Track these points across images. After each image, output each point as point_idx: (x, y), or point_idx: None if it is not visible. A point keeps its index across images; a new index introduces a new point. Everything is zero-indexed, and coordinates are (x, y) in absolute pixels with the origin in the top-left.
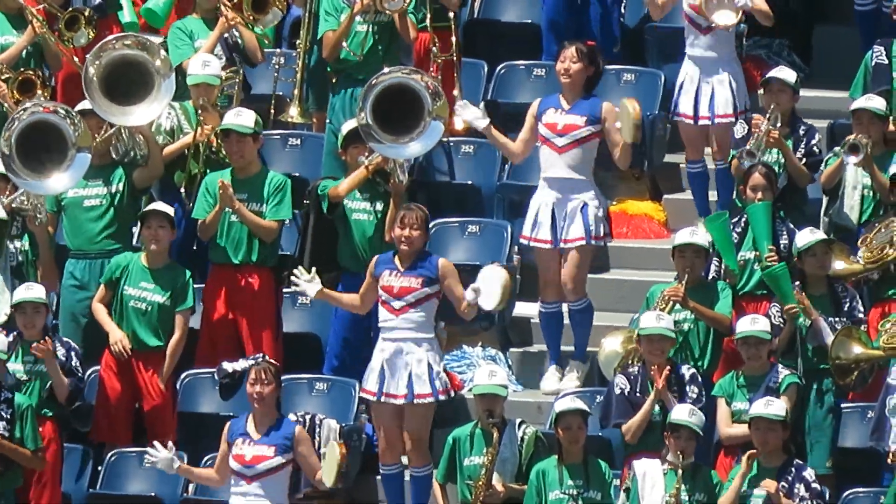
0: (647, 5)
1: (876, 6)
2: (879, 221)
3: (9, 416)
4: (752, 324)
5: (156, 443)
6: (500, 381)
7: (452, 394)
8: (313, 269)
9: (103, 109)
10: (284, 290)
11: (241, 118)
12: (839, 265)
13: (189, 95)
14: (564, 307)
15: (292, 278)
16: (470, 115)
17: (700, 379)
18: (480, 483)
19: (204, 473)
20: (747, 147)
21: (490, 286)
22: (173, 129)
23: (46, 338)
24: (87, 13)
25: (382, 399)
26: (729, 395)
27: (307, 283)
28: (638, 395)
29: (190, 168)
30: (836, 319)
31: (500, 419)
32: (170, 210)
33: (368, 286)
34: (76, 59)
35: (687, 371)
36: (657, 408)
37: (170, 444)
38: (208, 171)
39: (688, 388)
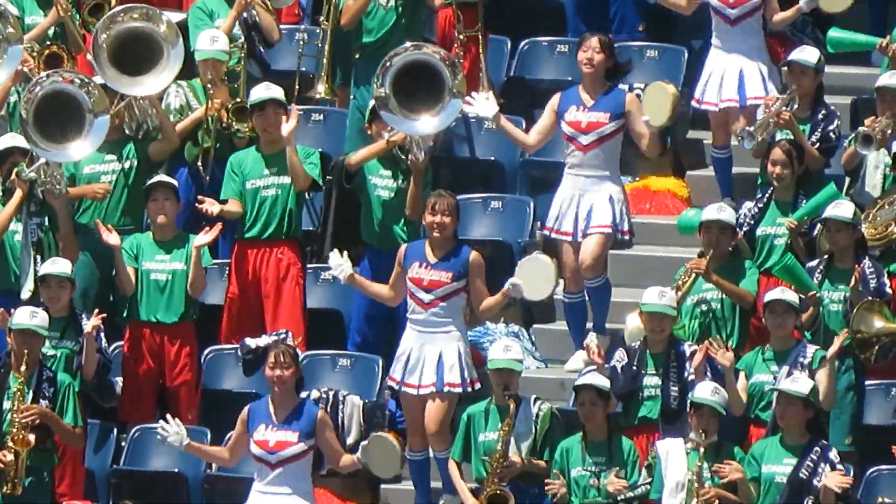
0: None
1: None
2: (883, 198)
3: (51, 395)
4: (782, 293)
5: (168, 416)
6: (514, 355)
7: (478, 387)
8: (345, 252)
9: (113, 81)
10: (308, 265)
11: (274, 91)
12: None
13: (196, 73)
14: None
15: (329, 261)
16: (477, 109)
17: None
18: (497, 456)
19: (215, 451)
20: (748, 128)
21: (534, 278)
22: (182, 107)
23: (101, 314)
24: (111, 2)
25: (402, 388)
26: (749, 368)
27: (340, 266)
28: (634, 368)
29: (202, 143)
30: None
31: (515, 394)
32: (174, 181)
33: (398, 276)
34: (85, 48)
35: (688, 348)
36: (656, 381)
37: (177, 420)
38: (218, 145)
39: (688, 366)
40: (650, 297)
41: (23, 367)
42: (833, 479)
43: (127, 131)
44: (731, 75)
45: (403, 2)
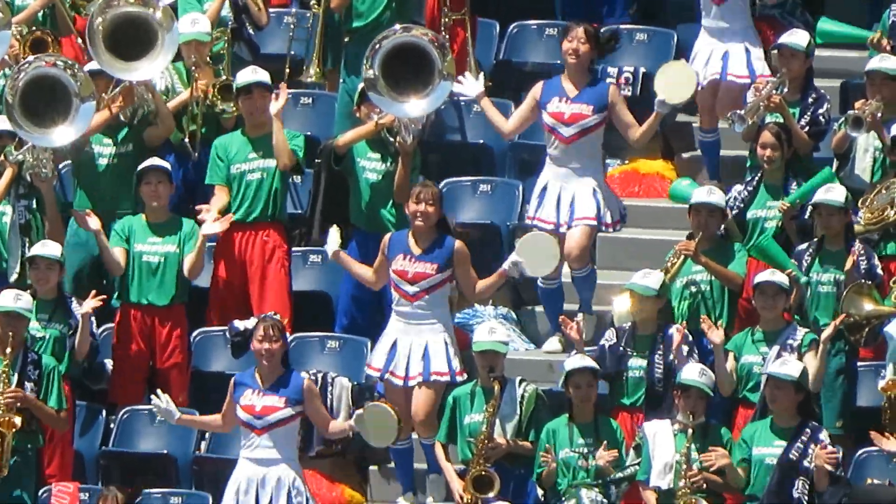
0: None
1: None
2: (880, 182)
3: (36, 378)
4: (772, 275)
5: (158, 391)
6: (499, 337)
7: (465, 377)
8: (336, 228)
9: (108, 65)
10: (296, 248)
11: (260, 74)
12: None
13: (179, 57)
14: (565, 278)
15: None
16: (464, 88)
17: (691, 338)
18: (482, 437)
19: (208, 420)
20: (739, 111)
21: (536, 255)
22: (167, 89)
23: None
24: None
25: (386, 377)
26: (738, 349)
27: (329, 241)
28: (621, 348)
29: (187, 127)
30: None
31: (500, 375)
32: (167, 165)
33: (381, 265)
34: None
35: (676, 332)
36: (642, 363)
37: (165, 395)
38: (205, 128)
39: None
40: (636, 278)
41: (8, 350)
42: (821, 456)
43: (122, 117)
44: (717, 55)
45: None
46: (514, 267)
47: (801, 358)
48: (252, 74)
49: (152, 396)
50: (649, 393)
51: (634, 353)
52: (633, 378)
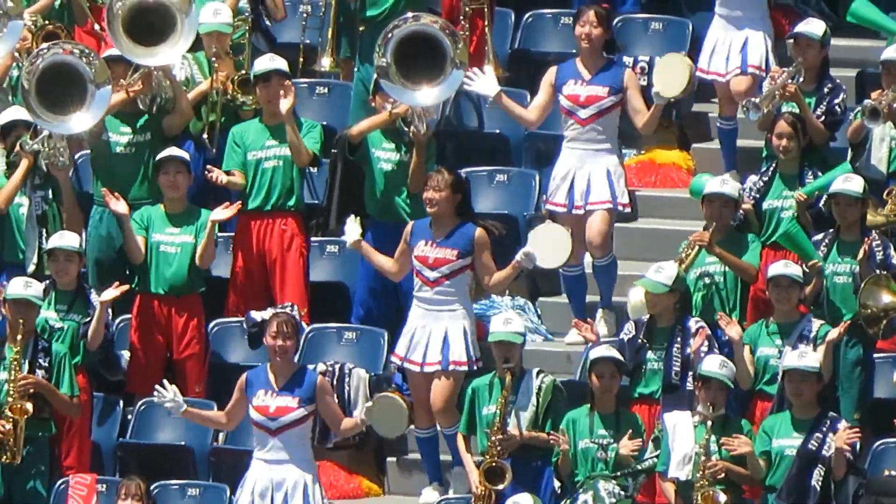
0: None
1: None
2: None
3: (47, 365)
4: (785, 267)
5: (165, 382)
6: (515, 328)
7: (481, 364)
8: (357, 217)
9: (128, 51)
10: (314, 238)
11: (278, 62)
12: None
13: (202, 47)
14: (587, 268)
15: (346, 225)
16: (478, 85)
17: (709, 332)
18: (495, 429)
19: (213, 416)
20: (754, 99)
21: (548, 246)
22: (187, 80)
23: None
24: None
25: (405, 365)
26: (753, 342)
27: (348, 228)
28: (640, 341)
29: (206, 118)
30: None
31: (517, 366)
32: (185, 155)
33: (403, 252)
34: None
35: (694, 324)
36: (659, 355)
37: (173, 386)
38: (224, 118)
39: (692, 341)
40: (648, 272)
41: (18, 337)
42: (842, 437)
43: (141, 105)
44: (736, 45)
45: None
46: (526, 258)
47: (815, 349)
48: (270, 62)
49: (157, 387)
50: (666, 385)
51: (652, 346)
52: (650, 370)
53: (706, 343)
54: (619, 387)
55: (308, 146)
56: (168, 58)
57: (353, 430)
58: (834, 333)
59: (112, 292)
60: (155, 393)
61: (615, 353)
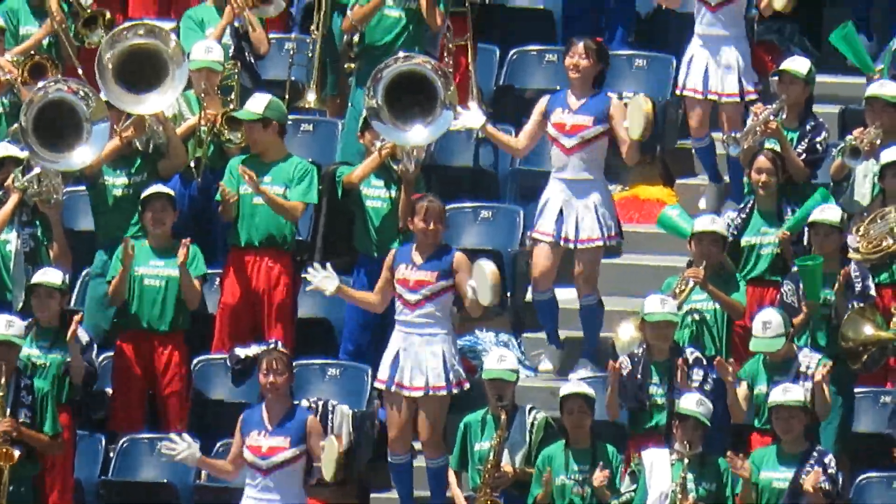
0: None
1: None
2: (873, 211)
3: (29, 403)
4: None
5: (172, 435)
6: (509, 365)
7: (466, 386)
8: (328, 264)
9: (118, 99)
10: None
11: (248, 105)
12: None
13: (189, 84)
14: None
15: (306, 275)
16: (464, 119)
17: (706, 362)
18: (489, 466)
19: (220, 465)
20: (734, 133)
21: (480, 282)
22: (175, 117)
23: (76, 316)
24: (107, 15)
25: (393, 389)
26: (751, 379)
27: (325, 279)
28: (637, 378)
29: (192, 154)
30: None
31: (510, 404)
32: (170, 192)
33: (386, 281)
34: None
35: (691, 355)
36: (663, 390)
37: (185, 435)
38: (210, 154)
39: (691, 372)
40: (653, 305)
41: (2, 381)
42: (808, 481)
43: (138, 146)
44: (713, 68)
45: (409, 14)
46: (470, 290)
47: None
48: (246, 105)
49: (173, 436)
50: (670, 420)
51: (652, 381)
52: (655, 405)
53: (700, 371)
54: (594, 421)
55: (300, 198)
56: (157, 106)
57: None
58: (818, 376)
59: (73, 326)
60: (164, 449)
61: (585, 389)
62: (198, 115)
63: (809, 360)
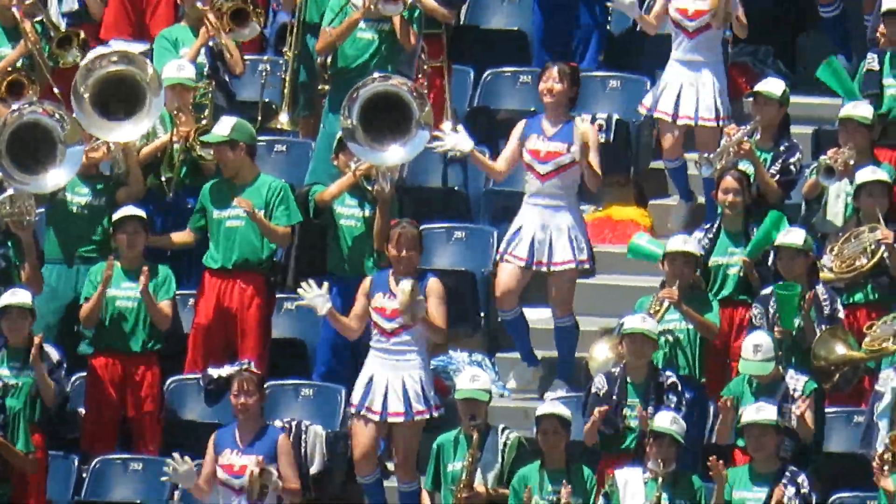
0: (641, 25)
1: (840, 12)
2: (846, 231)
3: (2, 423)
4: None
5: (175, 455)
6: (481, 385)
7: (442, 410)
8: (325, 284)
9: (94, 126)
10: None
11: (215, 128)
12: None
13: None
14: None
15: (299, 290)
16: (453, 142)
17: (681, 388)
18: (462, 486)
19: (202, 486)
20: (707, 154)
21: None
22: (148, 134)
23: (36, 338)
24: (81, 35)
25: (363, 412)
26: (736, 398)
27: (318, 297)
28: (613, 397)
29: (163, 173)
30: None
31: (482, 423)
32: (143, 214)
33: (362, 308)
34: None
35: (667, 379)
36: (631, 413)
37: (186, 457)
38: (183, 171)
39: (665, 397)
40: (633, 322)
41: None
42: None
43: (106, 170)
44: (688, 93)
45: (383, 35)
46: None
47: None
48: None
49: (175, 455)
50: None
51: (628, 403)
52: (630, 427)
53: (674, 395)
54: (569, 442)
55: (284, 222)
56: (130, 134)
57: None
58: (798, 410)
59: (34, 349)
60: (167, 468)
61: (560, 409)
62: (170, 132)
63: (796, 382)
